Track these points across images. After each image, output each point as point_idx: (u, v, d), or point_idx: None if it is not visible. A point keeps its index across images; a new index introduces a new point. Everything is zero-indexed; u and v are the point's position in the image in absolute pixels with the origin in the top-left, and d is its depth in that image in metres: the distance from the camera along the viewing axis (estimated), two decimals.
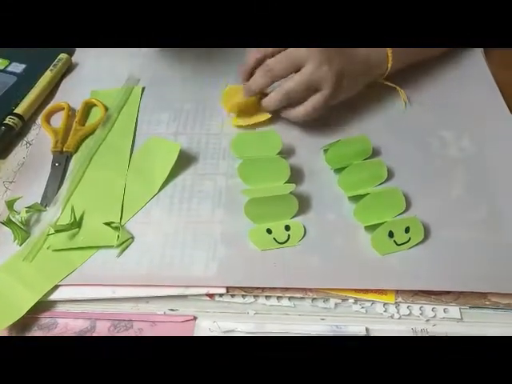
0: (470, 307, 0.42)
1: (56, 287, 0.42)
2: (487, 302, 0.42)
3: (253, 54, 0.52)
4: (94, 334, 0.42)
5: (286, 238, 0.45)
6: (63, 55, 0.61)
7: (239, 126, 0.55)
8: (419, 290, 0.43)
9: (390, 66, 0.54)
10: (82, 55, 0.64)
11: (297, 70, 0.49)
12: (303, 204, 0.48)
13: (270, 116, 0.55)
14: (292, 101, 0.51)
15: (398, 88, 0.58)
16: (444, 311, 0.42)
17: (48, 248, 0.45)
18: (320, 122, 0.55)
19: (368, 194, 0.46)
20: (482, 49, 0.64)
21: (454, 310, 0.42)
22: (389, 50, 0.53)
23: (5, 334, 0.41)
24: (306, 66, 0.48)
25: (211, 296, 0.43)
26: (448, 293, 0.43)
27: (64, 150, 0.52)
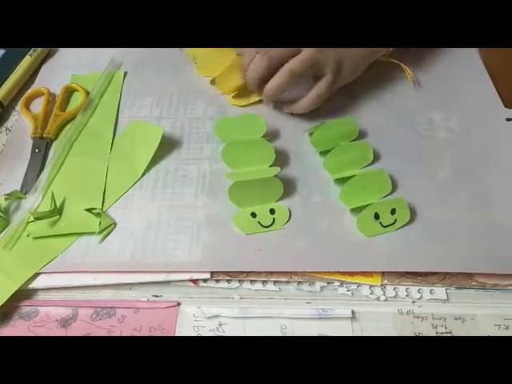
0: (456, 288, 0.42)
1: (37, 275, 0.42)
2: (474, 283, 0.42)
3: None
4: (76, 322, 0.41)
5: (271, 222, 0.45)
6: None
7: (237, 105, 0.54)
8: (405, 272, 0.42)
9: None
10: None
11: (295, 55, 0.48)
12: (288, 187, 0.47)
13: None
14: (293, 86, 0.49)
15: (402, 66, 0.58)
16: (430, 292, 0.42)
17: (28, 236, 0.44)
18: None
19: (354, 175, 0.45)
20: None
21: (440, 291, 0.42)
22: None
23: None
24: (305, 49, 0.47)
25: (195, 281, 0.42)
26: (434, 274, 0.42)
27: (44, 135, 0.51)
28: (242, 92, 0.55)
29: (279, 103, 0.53)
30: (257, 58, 0.49)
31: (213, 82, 0.57)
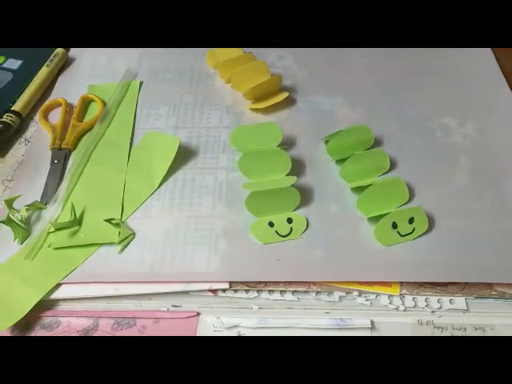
0: (475, 297, 0.42)
1: (58, 286, 0.42)
2: (493, 292, 0.42)
3: None
4: (97, 332, 0.42)
5: (289, 231, 0.45)
6: (59, 50, 0.61)
7: (257, 110, 0.55)
8: (424, 282, 0.42)
9: None
10: (79, 50, 0.63)
11: None
12: (305, 196, 0.47)
13: (287, 94, 0.55)
14: None
15: None
16: (450, 302, 0.42)
17: (49, 246, 0.44)
18: (320, 112, 0.54)
19: (370, 184, 0.45)
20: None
21: (459, 301, 0.42)
22: None
23: (7, 333, 0.41)
24: None
25: (214, 291, 0.42)
26: (453, 283, 0.42)
27: (62, 146, 0.52)
28: (259, 95, 0.55)
29: None
30: None
31: (228, 81, 0.57)
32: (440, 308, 0.41)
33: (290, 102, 0.56)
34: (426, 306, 0.42)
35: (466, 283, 0.42)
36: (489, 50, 0.61)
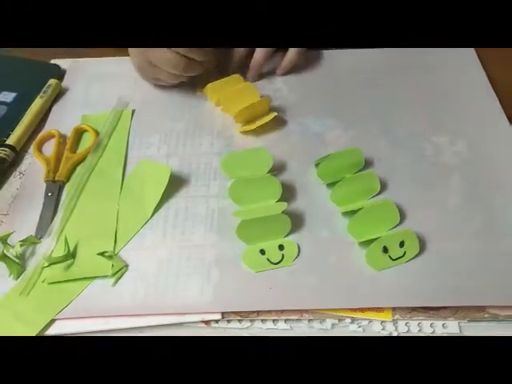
0: (468, 321, 0.42)
1: (52, 321, 0.43)
2: (486, 315, 0.42)
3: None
4: None
5: (280, 258, 0.45)
6: (53, 81, 0.61)
7: (246, 132, 0.55)
8: (417, 306, 0.42)
9: None
10: (72, 79, 0.64)
11: None
12: (296, 221, 0.47)
13: (275, 114, 0.55)
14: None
15: None
16: (443, 326, 0.42)
17: (43, 281, 0.45)
18: (311, 134, 0.55)
19: (361, 208, 0.45)
20: (475, 52, 0.63)
21: (452, 325, 0.41)
22: None
23: None
24: None
25: (207, 322, 0.43)
26: (446, 307, 0.42)
27: (56, 178, 0.52)
28: (248, 117, 0.55)
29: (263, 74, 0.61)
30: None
31: (218, 103, 0.58)
32: (433, 332, 0.41)
33: (280, 124, 0.57)
34: (419, 330, 0.41)
35: (459, 307, 0.42)
36: (478, 62, 0.61)
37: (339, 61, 0.63)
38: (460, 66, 0.61)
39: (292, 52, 0.60)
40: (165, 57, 0.52)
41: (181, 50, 0.52)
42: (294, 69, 0.62)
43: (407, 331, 0.41)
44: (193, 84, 0.60)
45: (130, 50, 0.54)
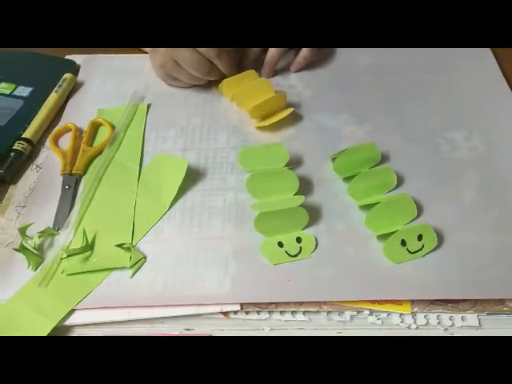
0: (487, 314, 0.42)
1: (71, 312, 0.43)
2: (505, 308, 0.42)
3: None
4: None
5: (298, 251, 0.45)
6: (68, 75, 0.62)
7: (262, 128, 0.56)
8: (435, 299, 0.42)
9: None
10: (87, 74, 0.64)
11: None
12: (313, 215, 0.47)
13: (292, 110, 0.55)
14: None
15: None
16: (462, 319, 0.42)
17: (62, 272, 0.45)
18: (326, 129, 0.55)
19: (378, 202, 0.46)
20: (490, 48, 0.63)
21: (471, 318, 0.42)
22: None
23: None
24: None
25: (226, 314, 0.43)
26: (465, 300, 0.42)
27: (73, 172, 0.53)
28: (264, 113, 0.56)
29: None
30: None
31: (232, 99, 0.58)
32: (452, 325, 0.41)
33: (295, 120, 0.57)
34: (438, 323, 0.42)
35: (478, 300, 0.42)
36: (493, 58, 0.62)
37: (353, 57, 0.64)
38: (475, 63, 0.61)
39: (306, 49, 0.60)
40: (191, 57, 0.53)
41: (208, 55, 0.53)
42: (308, 65, 0.62)
43: (426, 324, 0.42)
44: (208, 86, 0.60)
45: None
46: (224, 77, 0.57)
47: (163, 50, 0.54)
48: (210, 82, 0.60)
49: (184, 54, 0.53)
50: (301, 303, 0.43)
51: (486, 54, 0.63)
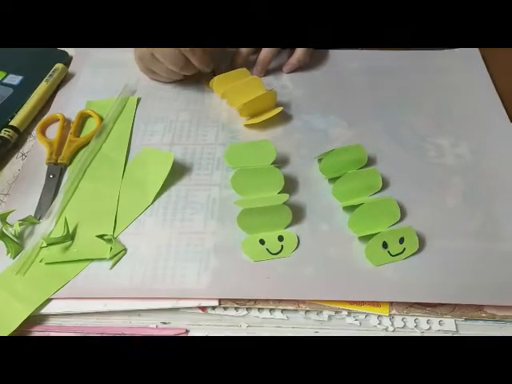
0: (465, 319, 0.42)
1: (48, 301, 0.42)
2: (483, 314, 0.42)
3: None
4: None
5: (279, 249, 0.45)
6: (59, 65, 0.62)
7: (251, 126, 0.56)
8: (414, 302, 0.42)
9: None
10: (79, 65, 0.64)
11: None
12: (297, 214, 0.47)
13: (281, 109, 0.55)
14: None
15: None
16: (439, 323, 0.42)
17: (41, 261, 0.45)
18: (315, 130, 0.55)
19: (362, 203, 0.46)
20: (480, 54, 0.63)
21: (449, 323, 0.42)
22: None
23: None
24: None
25: (203, 309, 0.42)
26: (443, 304, 0.42)
27: (59, 161, 0.52)
28: (253, 111, 0.56)
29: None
30: None
31: (223, 96, 0.58)
32: (429, 329, 0.41)
33: (285, 119, 0.57)
34: (416, 326, 0.41)
35: (456, 304, 0.42)
36: (482, 64, 0.62)
37: (345, 60, 0.64)
38: (465, 69, 0.62)
39: (300, 51, 0.60)
40: (167, 52, 0.53)
41: (183, 49, 0.53)
42: (301, 66, 0.62)
43: (403, 327, 0.41)
44: (199, 76, 0.60)
45: None
46: (199, 72, 0.58)
47: None
48: (202, 79, 0.60)
49: (160, 48, 0.53)
50: (279, 301, 0.42)
51: (475, 60, 0.63)
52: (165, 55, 0.54)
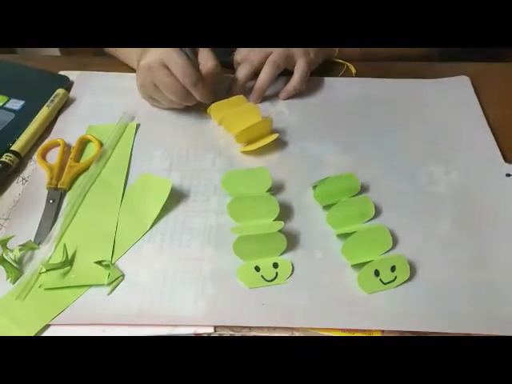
0: None
1: (46, 326, 0.43)
2: None
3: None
4: None
5: (274, 276, 0.46)
6: (60, 90, 0.63)
7: (247, 152, 0.57)
8: (405, 330, 0.43)
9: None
10: (79, 91, 0.65)
11: (269, 55, 0.61)
12: (292, 241, 0.48)
13: (277, 136, 0.57)
14: (279, 71, 0.62)
15: (347, 63, 0.68)
16: None
17: (40, 287, 0.45)
18: (310, 157, 0.56)
19: (355, 231, 0.47)
20: (471, 84, 0.65)
21: None
22: None
23: None
24: (276, 48, 0.61)
25: (199, 335, 0.43)
26: (434, 333, 0.43)
27: (59, 186, 0.53)
28: (250, 138, 0.57)
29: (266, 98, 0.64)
30: (240, 68, 0.62)
31: (221, 123, 0.60)
32: None
33: (280, 146, 0.58)
34: None
35: (447, 333, 0.43)
36: (474, 95, 0.63)
37: (340, 87, 0.65)
38: (457, 98, 0.63)
39: (297, 78, 0.62)
40: (169, 82, 0.55)
41: (184, 82, 0.54)
42: (296, 93, 0.64)
43: None
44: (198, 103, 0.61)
45: (139, 65, 0.56)
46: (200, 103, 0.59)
47: (144, 71, 0.56)
48: (200, 105, 0.62)
49: (161, 78, 0.55)
50: (274, 328, 0.43)
51: (467, 91, 0.64)
52: (166, 86, 0.55)
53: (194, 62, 0.56)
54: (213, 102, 0.60)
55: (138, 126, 0.60)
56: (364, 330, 0.43)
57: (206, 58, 0.57)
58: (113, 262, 0.47)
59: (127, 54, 0.64)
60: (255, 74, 0.62)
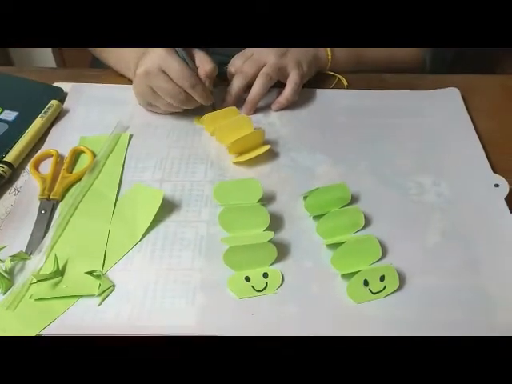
0: None
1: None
2: None
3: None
4: None
5: (264, 286, 0.46)
6: (54, 102, 0.63)
7: (239, 163, 0.57)
8: None
9: (330, 59, 0.68)
10: (73, 102, 0.66)
11: (262, 67, 0.62)
12: (282, 251, 0.49)
13: (268, 147, 0.57)
14: (272, 83, 0.62)
15: (337, 75, 0.68)
16: None
17: (30, 297, 0.45)
18: (301, 168, 0.57)
19: (344, 242, 0.47)
20: (460, 95, 0.66)
21: None
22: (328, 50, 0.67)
23: None
24: (269, 60, 0.62)
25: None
26: None
27: (51, 197, 0.54)
28: (242, 149, 0.58)
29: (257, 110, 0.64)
30: (234, 80, 0.62)
31: (213, 134, 0.60)
32: None
33: (272, 156, 0.59)
34: None
35: None
36: (463, 106, 0.64)
37: (331, 99, 0.66)
38: (446, 109, 0.64)
39: (289, 91, 0.63)
40: (167, 87, 0.55)
41: (183, 85, 0.55)
42: (289, 105, 0.64)
43: None
44: (190, 113, 0.62)
45: (136, 73, 0.57)
46: (200, 105, 0.60)
47: (142, 78, 0.56)
48: (192, 116, 0.62)
49: (160, 84, 0.56)
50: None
51: (456, 99, 0.65)
52: (165, 92, 0.56)
53: (192, 66, 0.57)
54: (214, 108, 0.61)
55: (130, 136, 0.61)
56: None
57: (204, 62, 0.58)
58: (103, 272, 0.48)
59: (123, 63, 0.65)
60: (248, 86, 0.62)
